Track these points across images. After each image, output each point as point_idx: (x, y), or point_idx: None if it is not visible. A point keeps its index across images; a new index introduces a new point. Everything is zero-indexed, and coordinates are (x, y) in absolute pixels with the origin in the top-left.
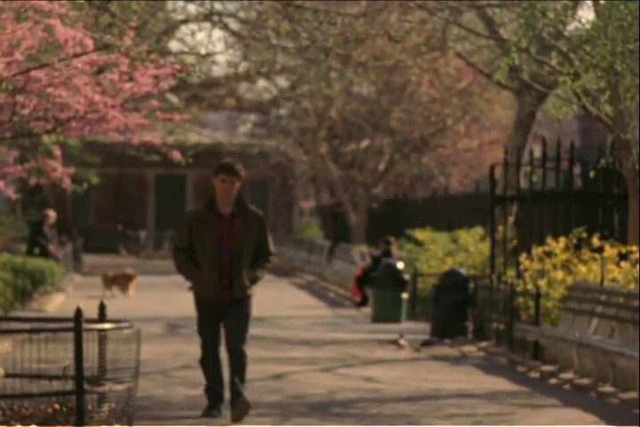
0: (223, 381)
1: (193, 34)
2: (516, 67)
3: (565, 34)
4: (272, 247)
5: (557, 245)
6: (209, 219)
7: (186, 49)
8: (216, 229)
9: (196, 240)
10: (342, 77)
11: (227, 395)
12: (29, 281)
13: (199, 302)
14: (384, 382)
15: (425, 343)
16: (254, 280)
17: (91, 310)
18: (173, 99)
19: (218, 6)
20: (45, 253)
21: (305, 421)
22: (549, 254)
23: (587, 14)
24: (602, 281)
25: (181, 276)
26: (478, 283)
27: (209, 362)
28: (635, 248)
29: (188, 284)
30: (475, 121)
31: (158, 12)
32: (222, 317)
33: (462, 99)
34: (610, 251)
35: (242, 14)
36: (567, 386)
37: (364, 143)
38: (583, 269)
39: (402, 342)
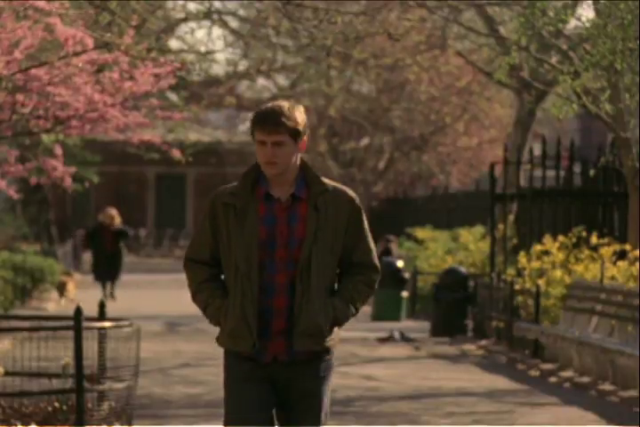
0: None
1: (192, 32)
2: (515, 65)
3: (565, 32)
4: (375, 258)
5: (554, 244)
6: (249, 206)
7: (185, 47)
8: (261, 226)
9: (223, 244)
10: (342, 76)
11: None
12: (29, 279)
13: (228, 366)
14: (384, 381)
15: (382, 340)
16: (339, 319)
17: (90, 309)
18: (173, 97)
19: (217, 4)
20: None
21: None
22: (547, 253)
23: (587, 13)
24: (602, 279)
25: (201, 313)
26: (478, 281)
27: None
28: (631, 247)
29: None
30: (474, 119)
31: (158, 10)
32: (274, 395)
33: (462, 97)
34: (606, 249)
35: (241, 12)
36: (567, 384)
37: (364, 141)
38: (579, 268)
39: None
